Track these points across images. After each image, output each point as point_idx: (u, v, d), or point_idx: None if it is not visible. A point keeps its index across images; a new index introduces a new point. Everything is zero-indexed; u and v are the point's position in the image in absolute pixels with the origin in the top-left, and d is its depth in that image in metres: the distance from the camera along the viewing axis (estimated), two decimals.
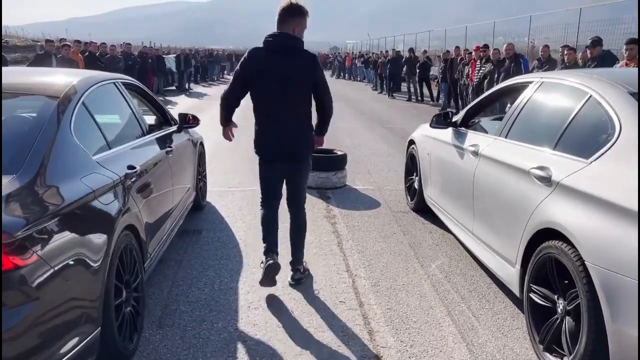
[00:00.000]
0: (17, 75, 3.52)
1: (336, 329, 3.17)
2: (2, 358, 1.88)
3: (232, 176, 6.84)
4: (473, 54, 13.59)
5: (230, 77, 4.04)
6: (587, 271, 2.40)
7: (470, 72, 13.22)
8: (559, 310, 2.71)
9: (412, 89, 18.92)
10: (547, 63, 10.00)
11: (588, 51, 8.75)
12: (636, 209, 2.23)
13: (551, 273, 2.75)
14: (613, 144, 2.63)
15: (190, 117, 4.67)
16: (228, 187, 6.32)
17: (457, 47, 16.40)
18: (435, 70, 19.69)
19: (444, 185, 4.64)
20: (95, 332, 2.36)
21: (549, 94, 3.57)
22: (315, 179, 6.08)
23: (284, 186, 3.76)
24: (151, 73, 17.55)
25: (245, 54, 3.56)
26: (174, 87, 21.22)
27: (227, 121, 3.71)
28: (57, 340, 2.12)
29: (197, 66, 25.68)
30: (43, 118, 2.60)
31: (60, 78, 3.20)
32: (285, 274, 3.77)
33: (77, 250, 2.27)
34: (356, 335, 3.09)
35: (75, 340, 2.22)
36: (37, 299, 2.01)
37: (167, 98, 17.14)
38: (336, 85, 25.71)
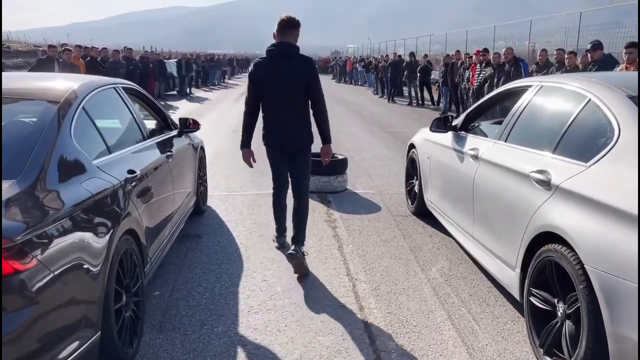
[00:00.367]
0: (17, 80, 3.54)
1: (336, 333, 3.17)
2: None
3: (233, 180, 6.85)
4: (473, 58, 13.62)
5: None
6: (587, 274, 2.40)
7: (470, 76, 13.25)
8: (559, 313, 2.70)
9: (412, 93, 18.95)
10: (546, 67, 10.06)
11: (588, 55, 8.77)
12: (636, 212, 2.23)
13: (551, 276, 2.75)
14: (612, 148, 2.64)
15: (191, 122, 4.69)
16: (229, 192, 6.32)
17: (458, 51, 16.46)
18: (435, 74, 19.75)
19: (444, 189, 4.64)
20: (95, 336, 2.37)
21: (549, 97, 3.57)
22: (315, 183, 6.08)
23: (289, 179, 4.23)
24: (152, 78, 17.58)
25: (251, 66, 4.07)
26: (175, 92, 21.27)
27: (246, 143, 4.18)
28: (56, 344, 2.12)
29: (198, 71, 25.73)
30: (43, 123, 2.61)
31: (61, 83, 3.22)
32: (281, 282, 3.77)
33: (77, 254, 2.28)
34: (356, 339, 3.09)
35: (75, 344, 2.22)
36: (37, 303, 2.01)
37: (168, 102, 17.18)
38: (337, 90, 25.87)
